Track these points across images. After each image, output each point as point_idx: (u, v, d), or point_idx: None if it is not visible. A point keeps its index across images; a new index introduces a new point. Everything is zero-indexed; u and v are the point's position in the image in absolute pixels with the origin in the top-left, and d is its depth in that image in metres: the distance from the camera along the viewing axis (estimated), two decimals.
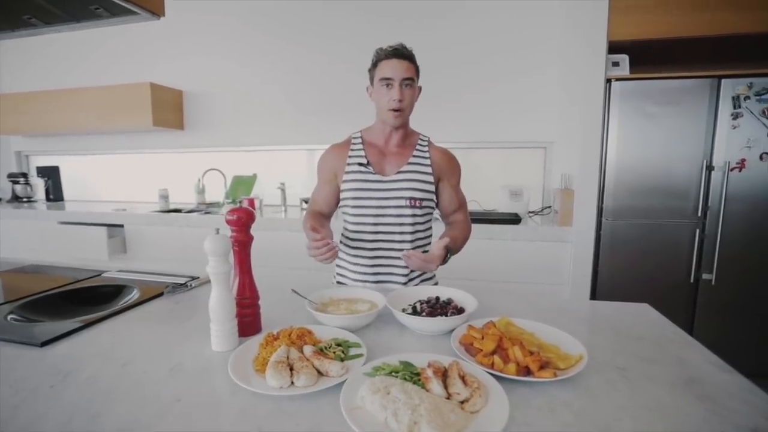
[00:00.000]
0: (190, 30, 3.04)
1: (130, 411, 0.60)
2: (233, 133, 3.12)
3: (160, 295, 1.10)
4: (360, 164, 1.21)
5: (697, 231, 2.05)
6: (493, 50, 2.59)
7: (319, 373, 0.67)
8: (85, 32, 2.91)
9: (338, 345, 0.75)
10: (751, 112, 1.93)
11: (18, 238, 2.89)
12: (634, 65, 2.08)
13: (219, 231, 0.80)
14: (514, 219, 2.29)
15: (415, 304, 0.95)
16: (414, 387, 0.60)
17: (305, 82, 2.92)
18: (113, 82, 2.98)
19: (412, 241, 1.20)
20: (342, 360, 0.71)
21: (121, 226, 2.71)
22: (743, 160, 1.97)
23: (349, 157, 1.23)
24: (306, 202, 2.85)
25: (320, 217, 1.25)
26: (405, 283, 1.21)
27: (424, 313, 0.89)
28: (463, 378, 0.63)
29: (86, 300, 1.09)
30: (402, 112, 1.15)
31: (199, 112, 3.17)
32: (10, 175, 3.47)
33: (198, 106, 3.16)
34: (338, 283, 1.30)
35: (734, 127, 1.95)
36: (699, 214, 2.03)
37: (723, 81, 1.94)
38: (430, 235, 1.28)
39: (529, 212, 2.54)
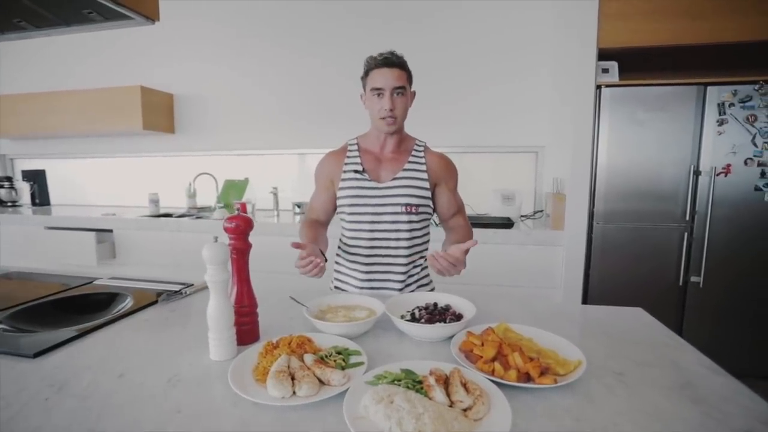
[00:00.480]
0: (180, 33, 3.02)
1: (129, 423, 0.59)
2: (225, 136, 3.10)
3: (155, 302, 1.09)
4: (355, 171, 1.21)
5: (686, 234, 2.09)
6: (484, 55, 2.62)
7: (321, 382, 0.67)
8: (74, 35, 2.87)
9: (338, 353, 0.75)
10: (735, 118, 1.98)
11: (2, 244, 2.82)
12: (623, 71, 2.12)
13: (217, 239, 0.79)
14: (506, 223, 2.31)
15: (413, 310, 0.95)
16: (417, 395, 0.60)
17: (297, 85, 2.91)
18: (103, 85, 2.94)
19: (408, 248, 1.20)
20: (343, 368, 0.71)
21: (111, 231, 2.67)
22: (729, 165, 2.02)
23: (345, 164, 1.23)
24: (299, 207, 2.84)
25: (316, 226, 1.24)
26: (401, 290, 1.21)
27: (422, 320, 0.89)
28: (465, 385, 0.63)
29: (78, 308, 1.07)
30: (394, 120, 1.15)
31: (190, 115, 3.14)
32: None
33: (189, 110, 3.14)
34: (336, 288, 1.30)
35: (720, 133, 2.00)
36: (687, 217, 2.08)
37: (709, 88, 1.99)
38: (428, 241, 1.28)
39: (521, 216, 2.57)
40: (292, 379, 0.66)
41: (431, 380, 0.63)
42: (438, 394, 0.61)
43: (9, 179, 3.41)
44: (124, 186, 3.39)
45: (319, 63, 2.85)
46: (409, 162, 1.21)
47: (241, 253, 0.84)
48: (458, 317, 0.91)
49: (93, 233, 2.60)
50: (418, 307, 0.96)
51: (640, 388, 0.69)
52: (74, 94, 2.94)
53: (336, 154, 1.26)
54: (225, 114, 3.07)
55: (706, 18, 1.97)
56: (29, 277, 1.37)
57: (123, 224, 2.66)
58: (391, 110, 1.12)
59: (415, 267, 1.24)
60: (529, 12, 2.53)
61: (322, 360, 0.72)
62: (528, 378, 0.68)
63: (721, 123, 1.99)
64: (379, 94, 1.13)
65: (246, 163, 3.09)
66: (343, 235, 1.26)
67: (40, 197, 3.39)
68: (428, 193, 1.21)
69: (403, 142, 1.25)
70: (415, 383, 0.64)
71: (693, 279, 2.11)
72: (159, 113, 2.99)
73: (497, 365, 0.69)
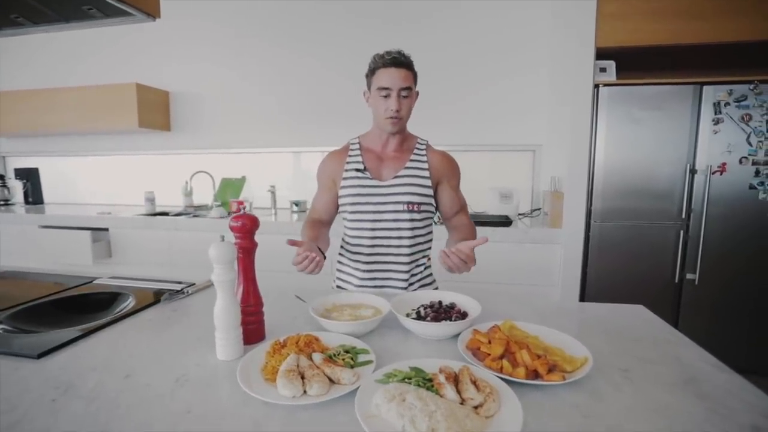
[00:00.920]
0: (175, 30, 2.99)
1: (139, 425, 0.59)
2: (221, 134, 3.08)
3: (157, 302, 1.08)
4: (357, 170, 1.21)
5: (681, 232, 2.11)
6: (482, 55, 2.63)
7: (330, 380, 0.67)
8: (69, 32, 2.83)
9: (346, 352, 0.75)
10: (731, 117, 2.00)
11: None
12: (620, 71, 2.14)
13: (224, 238, 0.78)
14: (504, 221, 2.32)
15: (418, 308, 0.95)
16: (428, 393, 0.60)
17: (294, 83, 2.90)
18: (98, 83, 2.91)
19: (410, 246, 1.20)
20: (352, 367, 0.71)
21: (106, 229, 2.64)
22: (724, 164, 2.04)
23: (347, 163, 1.23)
24: (296, 205, 2.83)
25: (318, 226, 1.24)
26: (405, 288, 1.21)
27: (428, 318, 0.89)
28: (474, 383, 0.64)
29: (80, 308, 1.06)
30: (400, 120, 1.15)
31: (186, 113, 3.12)
32: None
33: (185, 108, 3.11)
34: (338, 287, 1.30)
35: (715, 132, 2.03)
36: (683, 216, 2.10)
37: (705, 87, 2.01)
38: (431, 240, 1.28)
39: (519, 214, 2.58)
40: (302, 378, 0.66)
41: (441, 378, 0.63)
42: (449, 391, 0.61)
43: (1, 177, 3.37)
44: (119, 184, 3.36)
45: (315, 61, 2.84)
46: (411, 160, 1.22)
47: (247, 252, 0.84)
48: (463, 315, 0.92)
49: (88, 232, 2.57)
50: (422, 305, 0.97)
51: (646, 385, 0.70)
52: (69, 91, 2.91)
53: (338, 154, 1.26)
54: (221, 112, 3.05)
55: (704, 18, 1.99)
56: (24, 277, 1.35)
57: (119, 223, 2.64)
58: (397, 111, 1.12)
59: (418, 266, 1.24)
60: (527, 12, 2.54)
61: (330, 359, 0.72)
62: (536, 375, 0.68)
63: (716, 122, 2.02)
64: (385, 95, 1.12)
65: (243, 161, 3.08)
66: (346, 234, 1.26)
67: (34, 196, 3.35)
68: (430, 191, 1.21)
69: (405, 141, 1.24)
70: (425, 381, 0.64)
71: (689, 276, 2.14)
72: (155, 111, 2.96)
73: (505, 363, 0.70)
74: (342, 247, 1.28)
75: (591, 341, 0.83)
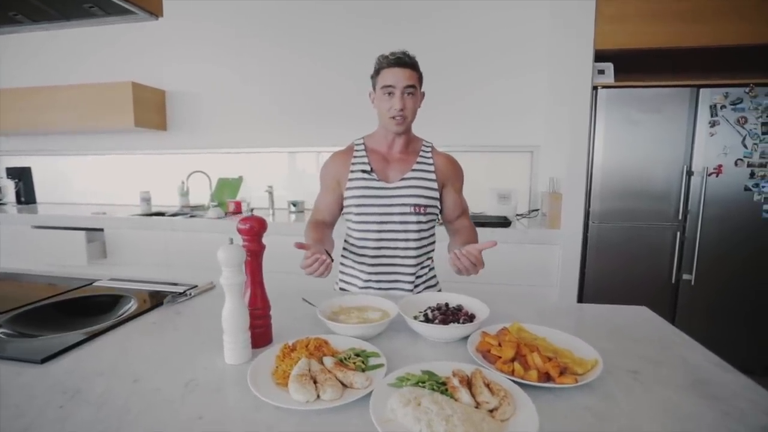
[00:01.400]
0: (174, 30, 2.96)
1: (151, 431, 0.58)
2: (218, 134, 3.05)
3: (160, 304, 1.06)
4: (363, 171, 1.20)
5: (678, 233, 2.14)
6: (481, 56, 2.63)
7: (343, 385, 0.66)
8: (65, 30, 2.79)
9: (357, 355, 0.74)
10: (727, 120, 2.03)
11: None
12: (618, 73, 2.16)
13: (233, 241, 0.77)
14: (503, 222, 2.33)
15: (425, 311, 0.95)
16: (443, 397, 0.60)
17: (291, 83, 2.88)
18: (93, 81, 2.87)
19: (417, 248, 1.20)
20: (363, 371, 0.70)
21: (101, 230, 2.61)
22: (720, 166, 2.07)
23: (352, 164, 1.22)
24: (294, 205, 2.81)
25: (322, 227, 1.23)
26: (411, 290, 1.21)
27: (436, 321, 0.89)
28: (488, 386, 0.63)
29: (81, 311, 1.04)
30: (404, 119, 1.15)
31: (182, 112, 3.09)
32: None
33: (181, 107, 3.08)
34: (341, 290, 1.29)
35: (712, 135, 2.05)
36: (679, 217, 2.12)
37: (701, 90, 2.03)
38: (434, 242, 1.28)
39: (517, 215, 2.59)
40: (314, 382, 0.65)
41: (455, 381, 0.63)
42: (464, 395, 0.61)
43: None
44: (115, 184, 3.32)
45: (313, 61, 2.83)
46: (418, 162, 1.21)
47: (254, 254, 0.83)
48: (471, 317, 0.92)
49: (83, 232, 2.54)
50: (429, 307, 0.96)
51: (656, 386, 0.70)
52: (63, 89, 2.87)
53: (342, 154, 1.26)
54: (218, 111, 3.03)
55: (703, 21, 2.01)
56: (18, 278, 1.32)
57: (114, 223, 2.61)
58: (401, 110, 1.12)
59: (423, 267, 1.24)
60: (526, 13, 2.55)
61: (342, 362, 0.71)
62: (548, 378, 0.68)
63: (713, 124, 2.04)
64: (389, 93, 1.12)
65: (240, 161, 3.06)
66: (350, 236, 1.26)
67: (26, 195, 3.30)
68: (437, 194, 1.21)
69: (410, 143, 1.24)
70: (439, 385, 0.64)
71: (685, 277, 2.16)
72: (151, 110, 2.93)
73: (517, 365, 0.70)
74: (345, 248, 1.28)
75: (597, 343, 0.84)
